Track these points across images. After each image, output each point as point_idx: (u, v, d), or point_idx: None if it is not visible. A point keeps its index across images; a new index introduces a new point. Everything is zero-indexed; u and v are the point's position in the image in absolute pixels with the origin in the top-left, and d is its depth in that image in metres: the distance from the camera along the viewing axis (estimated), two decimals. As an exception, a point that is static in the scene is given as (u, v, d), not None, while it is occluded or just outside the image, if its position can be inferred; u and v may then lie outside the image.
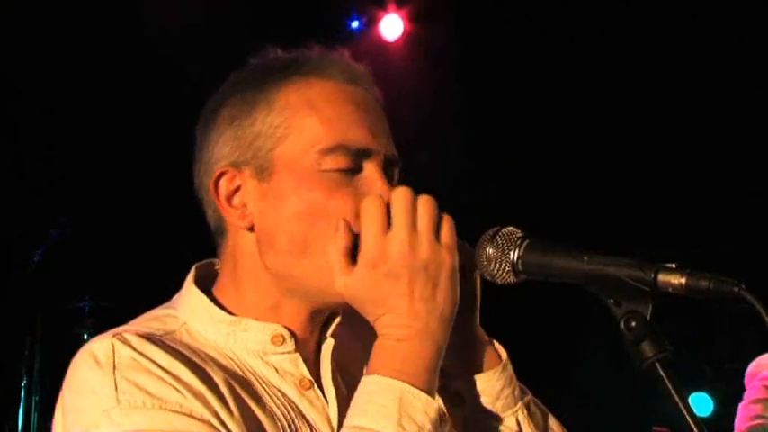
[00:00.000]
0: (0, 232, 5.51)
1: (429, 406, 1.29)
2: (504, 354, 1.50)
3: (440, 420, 1.30)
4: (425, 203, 1.37)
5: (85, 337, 5.22)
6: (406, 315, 1.33)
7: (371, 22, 6.64)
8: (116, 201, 5.84)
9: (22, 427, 5.20)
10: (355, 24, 6.67)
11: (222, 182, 1.45)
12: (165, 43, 5.22)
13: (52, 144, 5.70)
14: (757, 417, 3.52)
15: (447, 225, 1.38)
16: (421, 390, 1.30)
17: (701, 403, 6.98)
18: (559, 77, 6.19)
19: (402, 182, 1.49)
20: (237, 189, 1.44)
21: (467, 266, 1.42)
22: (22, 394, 5.20)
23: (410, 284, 1.33)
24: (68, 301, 5.43)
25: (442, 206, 1.39)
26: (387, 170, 1.45)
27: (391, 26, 6.62)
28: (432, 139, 6.06)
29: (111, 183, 5.82)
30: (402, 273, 1.33)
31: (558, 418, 1.58)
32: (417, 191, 1.41)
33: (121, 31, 5.46)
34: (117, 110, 5.72)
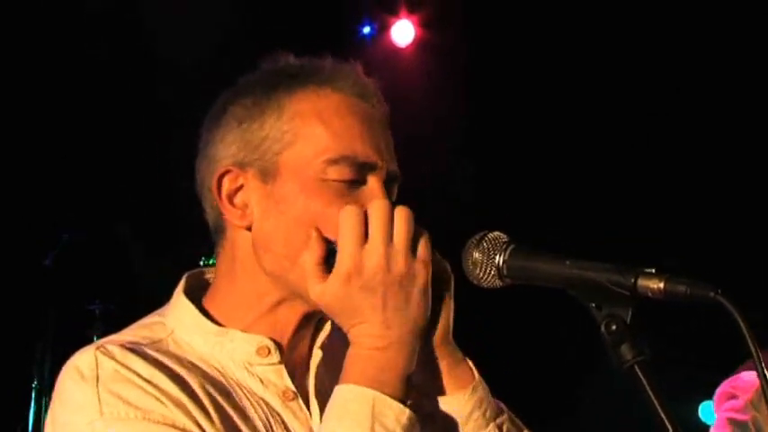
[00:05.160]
0: (11, 235, 5.54)
1: (401, 414, 1.32)
2: (476, 374, 1.48)
3: (411, 427, 1.33)
4: (402, 217, 1.38)
5: (95, 339, 5.21)
6: (380, 325, 1.36)
7: (383, 28, 6.65)
8: (127, 203, 5.88)
9: (32, 428, 5.23)
10: (367, 30, 6.68)
11: (225, 180, 1.48)
12: (175, 51, 5.25)
13: (64, 146, 5.73)
14: None
15: (423, 239, 1.39)
16: (393, 398, 1.33)
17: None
18: (570, 84, 6.19)
19: (401, 196, 1.51)
20: (239, 189, 1.47)
21: (441, 284, 1.44)
22: (33, 396, 5.24)
23: (384, 297, 1.35)
24: (79, 303, 5.46)
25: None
26: (387, 185, 1.48)
27: (403, 32, 6.62)
28: (442, 144, 6.08)
29: (123, 186, 5.85)
30: (377, 287, 1.35)
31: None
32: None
33: (134, 36, 5.51)
34: (129, 115, 5.76)
